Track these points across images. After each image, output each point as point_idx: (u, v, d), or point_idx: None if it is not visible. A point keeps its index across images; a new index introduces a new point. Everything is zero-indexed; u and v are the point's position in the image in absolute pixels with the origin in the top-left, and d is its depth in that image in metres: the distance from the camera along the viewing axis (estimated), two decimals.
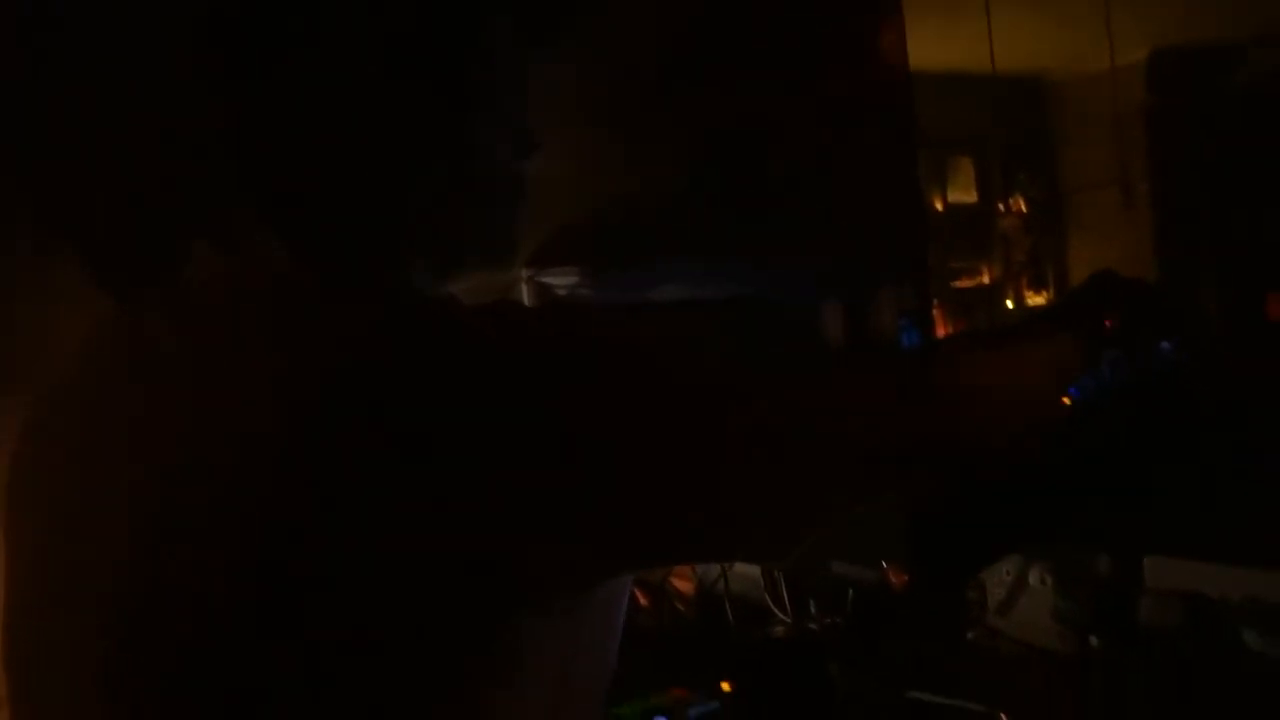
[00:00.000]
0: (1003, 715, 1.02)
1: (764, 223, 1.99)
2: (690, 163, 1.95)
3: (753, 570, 1.33)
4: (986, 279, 5.15)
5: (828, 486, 0.64)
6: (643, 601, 1.61)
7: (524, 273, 1.89)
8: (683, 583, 1.58)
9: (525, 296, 1.90)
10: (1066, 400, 1.03)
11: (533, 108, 0.80)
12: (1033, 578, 1.15)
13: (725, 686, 1.26)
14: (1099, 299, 0.81)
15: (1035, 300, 5.23)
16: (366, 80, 0.64)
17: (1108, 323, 0.81)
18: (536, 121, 0.80)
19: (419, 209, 0.68)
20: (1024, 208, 5.00)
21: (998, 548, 0.95)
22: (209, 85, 0.65)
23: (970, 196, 5.09)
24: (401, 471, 0.54)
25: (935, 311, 3.31)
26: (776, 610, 1.34)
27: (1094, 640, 1.10)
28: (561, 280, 1.97)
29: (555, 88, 1.73)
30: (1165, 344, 1.07)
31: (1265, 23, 4.57)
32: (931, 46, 4.30)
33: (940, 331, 3.81)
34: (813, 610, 1.31)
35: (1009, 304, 5.16)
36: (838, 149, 1.96)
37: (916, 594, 0.89)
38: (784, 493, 0.61)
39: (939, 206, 4.95)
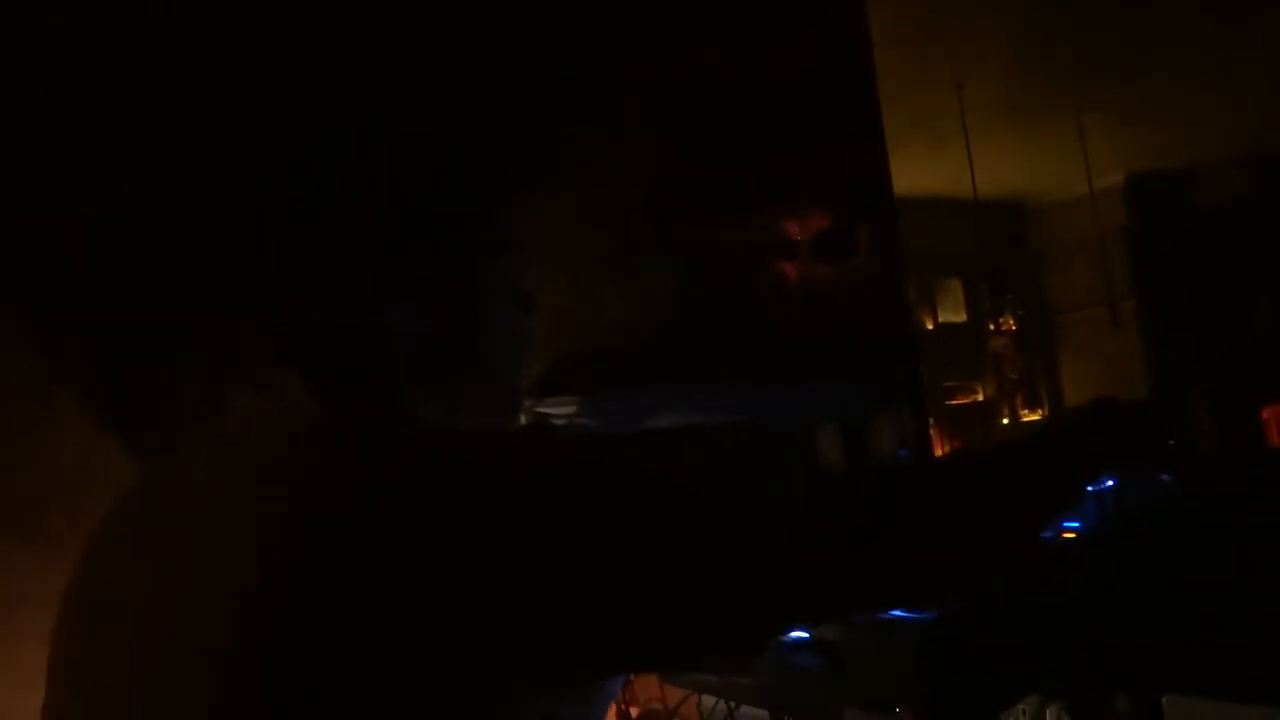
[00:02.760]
0: None
1: (757, 349, 2.01)
2: (682, 293, 1.98)
3: (761, 713, 1.29)
4: (981, 396, 5.17)
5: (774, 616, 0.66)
6: None
7: (524, 404, 1.89)
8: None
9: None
10: (1069, 534, 1.03)
11: (528, 253, 0.83)
12: (1050, 717, 1.12)
13: None
14: (1098, 426, 0.80)
15: (1030, 417, 5.24)
16: (381, 244, 0.67)
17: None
18: (535, 279, 0.83)
19: (430, 361, 0.70)
20: (1014, 325, 5.06)
21: (1012, 690, 0.93)
22: (246, 241, 0.68)
23: (960, 316, 5.16)
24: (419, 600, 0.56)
25: (932, 430, 3.32)
26: None
27: None
28: (560, 410, 1.98)
29: (548, 225, 1.77)
30: (1164, 476, 1.07)
31: (1228, 149, 4.75)
32: (916, 173, 4.43)
33: (938, 450, 3.81)
34: None
35: (1005, 421, 5.17)
36: (826, 276, 2.00)
37: None
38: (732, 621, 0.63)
39: (929, 325, 5.01)
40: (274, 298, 0.69)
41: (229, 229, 0.69)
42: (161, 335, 0.85)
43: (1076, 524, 1.02)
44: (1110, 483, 1.03)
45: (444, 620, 0.56)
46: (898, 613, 0.91)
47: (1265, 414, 3.38)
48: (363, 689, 0.55)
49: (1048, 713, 1.11)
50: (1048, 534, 0.99)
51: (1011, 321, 5.03)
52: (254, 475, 0.63)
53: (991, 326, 5.00)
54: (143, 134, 1.04)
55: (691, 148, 1.83)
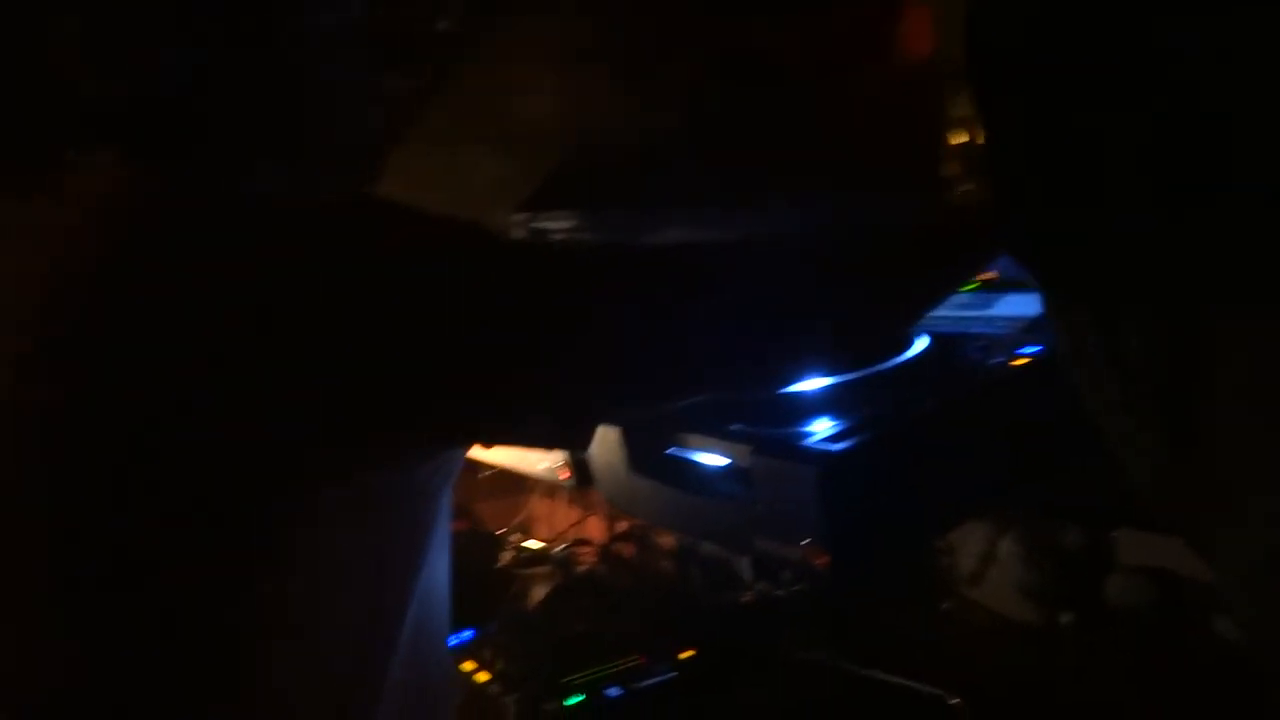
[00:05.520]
0: (957, 701, 0.95)
1: (770, 161, 1.89)
2: (691, 99, 1.85)
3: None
4: None
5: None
6: (626, 555, 1.56)
7: (518, 217, 1.82)
8: (667, 539, 1.53)
9: None
10: (1022, 360, 0.94)
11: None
12: (1002, 549, 1.06)
13: (685, 654, 1.21)
14: None
15: None
16: None
17: None
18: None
19: (257, 114, 0.69)
20: None
21: (924, 526, 0.87)
22: None
23: None
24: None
25: None
26: (746, 574, 1.28)
27: (1064, 617, 1.01)
28: (557, 224, 1.90)
29: (544, 26, 1.65)
30: None
31: None
32: None
33: None
34: (784, 577, 1.25)
35: None
36: (844, 83, 1.84)
37: (841, 575, 0.82)
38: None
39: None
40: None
41: None
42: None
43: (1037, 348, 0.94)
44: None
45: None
46: (811, 440, 0.85)
47: None
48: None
49: (999, 545, 1.06)
50: (999, 358, 0.91)
51: None
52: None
53: None
54: None
55: None
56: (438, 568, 0.73)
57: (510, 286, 0.64)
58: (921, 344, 0.91)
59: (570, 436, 0.75)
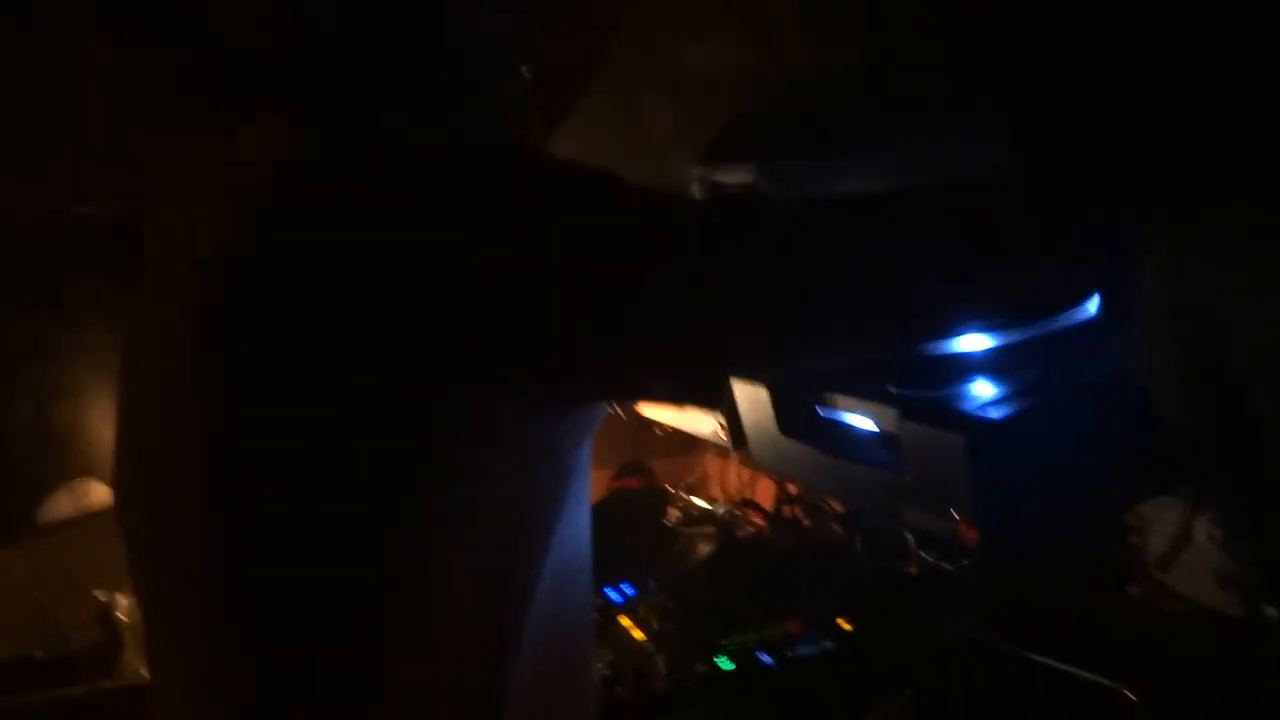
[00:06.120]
0: (1127, 692, 0.86)
1: (959, 107, 1.76)
2: (874, 41, 1.74)
3: None
4: None
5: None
6: (793, 518, 1.52)
7: (695, 171, 1.79)
8: (836, 504, 1.47)
9: (695, 195, 1.81)
10: None
11: None
12: (1199, 530, 0.95)
13: (844, 625, 1.16)
14: None
15: None
16: None
17: None
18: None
19: (414, 66, 0.70)
20: None
21: (1090, 504, 0.78)
22: None
23: None
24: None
25: None
26: (916, 544, 1.21)
27: (1270, 610, 0.90)
28: (734, 177, 1.85)
29: None
30: None
31: None
32: None
33: None
34: (954, 551, 1.17)
35: None
36: None
37: (995, 554, 0.74)
38: None
39: None
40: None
41: None
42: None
43: None
44: None
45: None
46: (965, 406, 0.78)
47: None
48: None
49: (1195, 526, 0.95)
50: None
51: None
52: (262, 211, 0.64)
53: None
54: None
55: None
56: (576, 522, 0.73)
57: (648, 238, 0.62)
58: (1094, 305, 0.82)
59: (699, 394, 0.72)
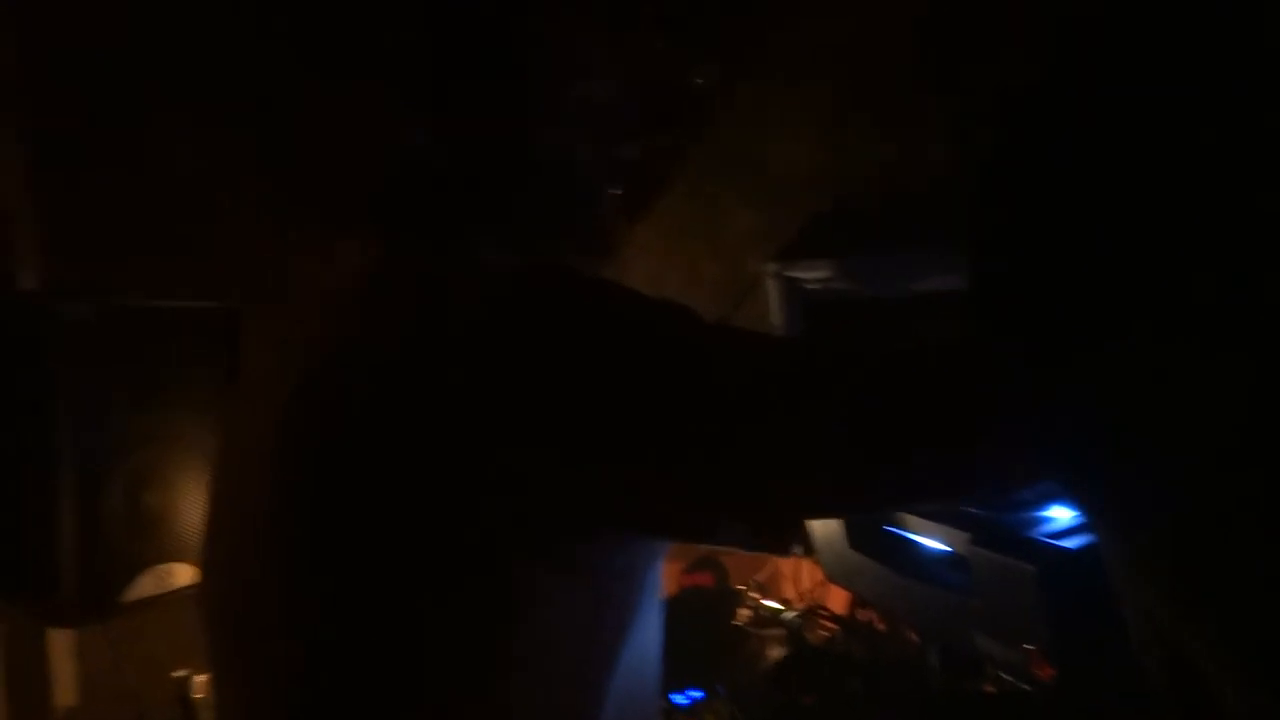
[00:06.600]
0: None
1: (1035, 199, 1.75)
2: (952, 137, 1.75)
3: None
4: None
5: None
6: (866, 625, 1.48)
7: (770, 267, 1.80)
8: None
9: (772, 293, 1.81)
10: None
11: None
12: None
13: None
14: None
15: None
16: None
17: None
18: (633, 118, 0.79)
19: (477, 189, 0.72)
20: None
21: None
22: None
23: None
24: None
25: None
26: (992, 660, 1.17)
27: None
28: (811, 274, 1.86)
29: (802, 76, 1.63)
30: None
31: None
32: None
33: None
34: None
35: None
36: None
37: (1069, 691, 0.72)
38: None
39: None
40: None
41: None
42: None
43: None
44: None
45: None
46: (1039, 533, 0.76)
47: None
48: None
49: None
50: None
51: None
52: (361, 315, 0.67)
53: None
54: None
55: None
56: (647, 633, 0.73)
57: (717, 384, 0.62)
58: None
59: (767, 543, 0.72)
